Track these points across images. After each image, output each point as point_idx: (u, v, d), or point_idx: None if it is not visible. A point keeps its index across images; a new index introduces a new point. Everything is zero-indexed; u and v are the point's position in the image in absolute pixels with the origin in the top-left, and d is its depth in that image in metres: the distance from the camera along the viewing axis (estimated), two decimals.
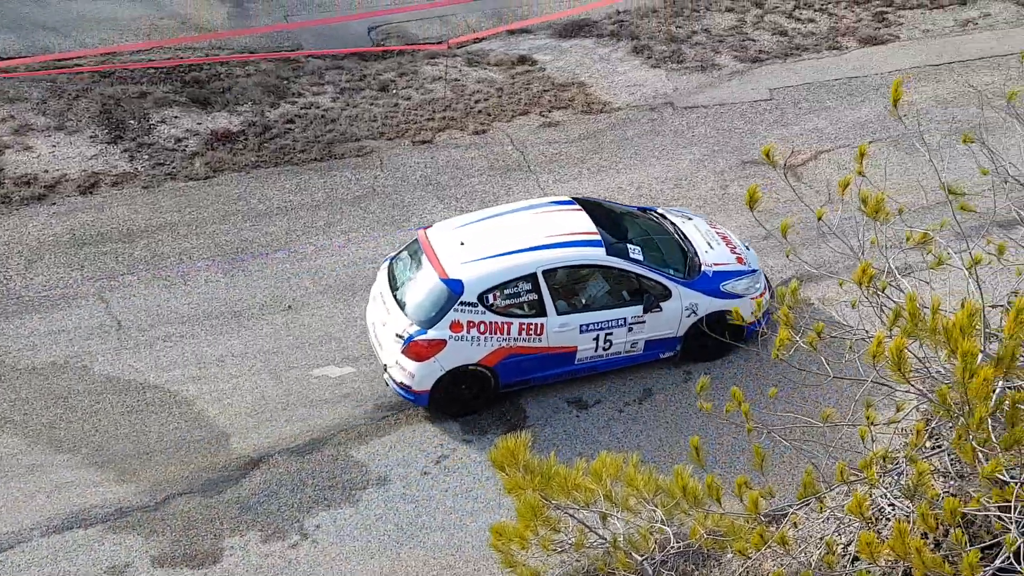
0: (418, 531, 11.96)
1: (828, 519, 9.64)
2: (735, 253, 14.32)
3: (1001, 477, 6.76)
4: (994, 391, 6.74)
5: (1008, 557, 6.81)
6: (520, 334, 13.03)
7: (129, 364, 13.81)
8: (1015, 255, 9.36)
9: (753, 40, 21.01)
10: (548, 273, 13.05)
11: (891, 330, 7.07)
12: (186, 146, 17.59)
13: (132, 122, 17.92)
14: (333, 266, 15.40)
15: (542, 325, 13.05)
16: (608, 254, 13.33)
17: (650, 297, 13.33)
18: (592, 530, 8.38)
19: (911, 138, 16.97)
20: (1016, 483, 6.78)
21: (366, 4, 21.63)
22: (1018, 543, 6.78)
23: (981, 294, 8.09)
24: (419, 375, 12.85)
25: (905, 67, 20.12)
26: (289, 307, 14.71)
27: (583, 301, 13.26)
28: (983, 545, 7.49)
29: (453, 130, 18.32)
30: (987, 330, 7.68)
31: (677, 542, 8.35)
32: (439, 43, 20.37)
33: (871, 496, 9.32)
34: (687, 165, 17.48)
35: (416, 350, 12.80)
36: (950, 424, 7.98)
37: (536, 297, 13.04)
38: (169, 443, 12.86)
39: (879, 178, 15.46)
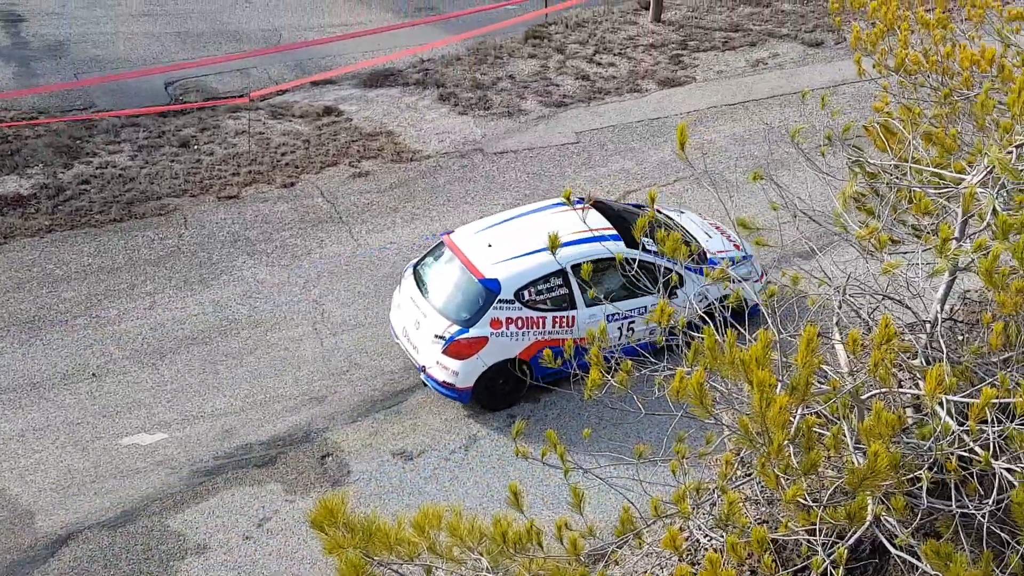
0: None
1: (649, 555, 9.73)
2: (731, 241, 15.09)
3: (803, 501, 6.94)
4: (793, 418, 6.92)
5: None
6: (554, 327, 13.64)
7: None
8: (808, 285, 9.68)
9: (557, 85, 21.39)
10: (576, 267, 13.46)
11: (691, 366, 7.20)
12: None
13: None
14: (139, 330, 14.88)
15: (573, 317, 13.66)
16: (627, 246, 13.84)
17: (669, 285, 13.68)
18: None
19: (712, 176, 17.53)
20: (819, 506, 6.97)
21: (161, 59, 21.16)
22: (825, 564, 6.96)
23: (778, 324, 8.32)
24: (463, 372, 13.36)
25: (703, 107, 20.80)
26: (93, 375, 14.13)
27: (606, 293, 13.56)
28: (795, 569, 7.68)
29: (260, 184, 18.02)
30: (786, 359, 7.91)
31: None
32: (241, 96, 20.05)
33: (688, 529, 9.47)
34: (500, 209, 17.56)
35: (459, 348, 13.35)
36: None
37: (567, 291, 13.73)
38: None
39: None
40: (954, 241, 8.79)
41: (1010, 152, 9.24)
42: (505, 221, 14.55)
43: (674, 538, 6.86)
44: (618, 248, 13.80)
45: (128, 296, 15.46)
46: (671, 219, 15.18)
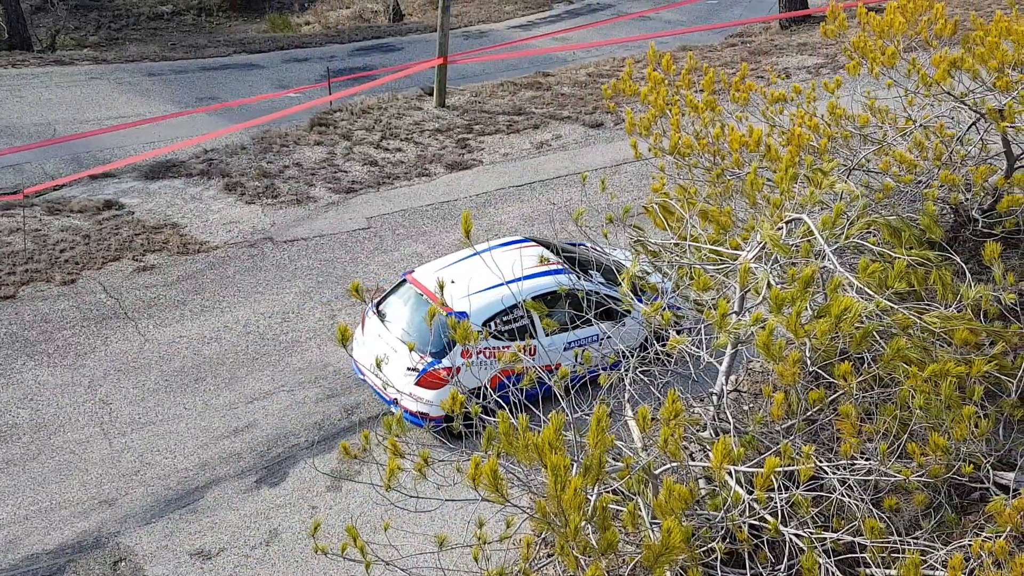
0: None
1: None
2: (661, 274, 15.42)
3: None
4: (589, 497, 7.03)
5: None
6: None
7: None
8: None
9: (345, 171, 21.41)
10: (536, 299, 13.77)
11: (487, 452, 7.24)
12: None
13: None
14: None
15: (534, 347, 13.92)
16: (579, 279, 14.51)
17: (618, 314, 14.30)
18: None
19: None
20: None
21: None
22: None
23: (573, 406, 8.47)
24: (436, 402, 13.66)
25: (491, 189, 21.15)
26: None
27: (560, 322, 14.04)
28: None
29: (38, 282, 17.30)
30: (581, 439, 8.04)
31: None
32: (14, 193, 19.28)
33: None
34: (293, 298, 17.40)
35: (431, 379, 13.78)
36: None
37: (528, 322, 14.12)
38: None
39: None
40: (733, 315, 9.16)
41: (780, 228, 9.73)
42: (462, 260, 15.08)
43: None
44: (571, 280, 14.41)
45: None
46: (607, 253, 16.00)
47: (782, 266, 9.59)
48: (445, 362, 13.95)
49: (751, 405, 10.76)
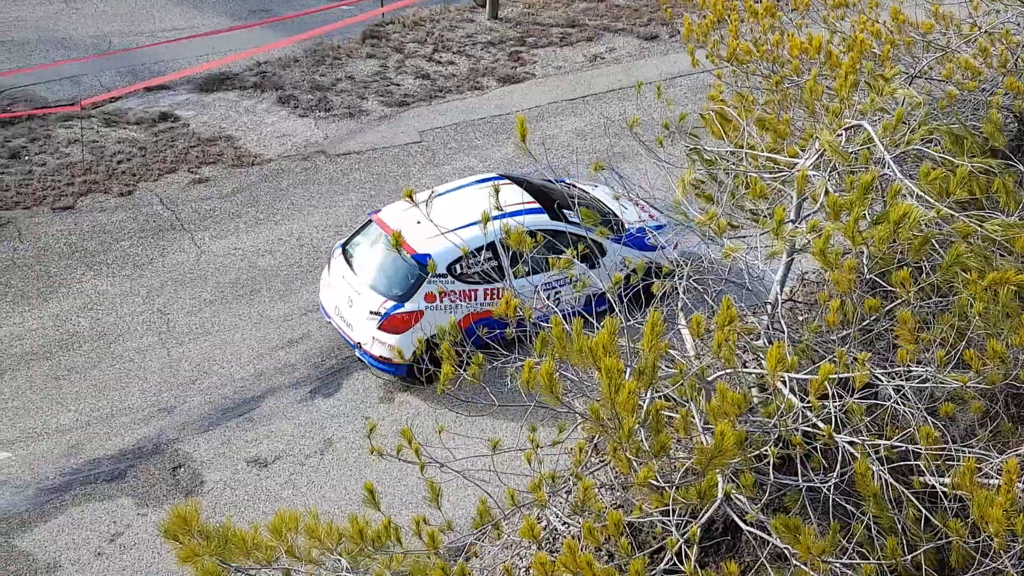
0: None
1: (508, 545, 9.78)
2: (646, 211, 15.35)
3: (655, 483, 7.07)
4: (642, 402, 7.05)
5: (672, 559, 7.13)
6: (486, 299, 13.91)
7: None
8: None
9: (398, 84, 21.30)
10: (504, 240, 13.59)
11: (540, 356, 7.26)
12: None
13: None
14: None
15: (503, 289, 13.68)
16: (551, 219, 14.36)
17: (591, 255, 13.98)
18: None
19: (554, 171, 17.67)
20: (671, 487, 7.11)
21: None
22: (679, 544, 7.10)
23: (625, 310, 8.46)
24: (400, 346, 13.36)
25: (544, 103, 20.97)
26: None
27: (533, 263, 13.55)
28: (651, 551, 7.80)
29: (96, 193, 17.48)
30: (634, 345, 8.04)
31: None
32: (72, 104, 19.38)
33: (545, 517, 9.56)
34: (346, 211, 17.46)
35: (395, 323, 13.54)
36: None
37: (496, 264, 13.72)
38: None
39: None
40: (790, 223, 9.07)
41: (839, 135, 9.57)
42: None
43: (532, 527, 6.92)
44: (542, 221, 14.22)
45: None
46: (587, 192, 15.71)
47: (840, 174, 9.45)
48: (408, 306, 13.66)
49: (805, 315, 10.69)
